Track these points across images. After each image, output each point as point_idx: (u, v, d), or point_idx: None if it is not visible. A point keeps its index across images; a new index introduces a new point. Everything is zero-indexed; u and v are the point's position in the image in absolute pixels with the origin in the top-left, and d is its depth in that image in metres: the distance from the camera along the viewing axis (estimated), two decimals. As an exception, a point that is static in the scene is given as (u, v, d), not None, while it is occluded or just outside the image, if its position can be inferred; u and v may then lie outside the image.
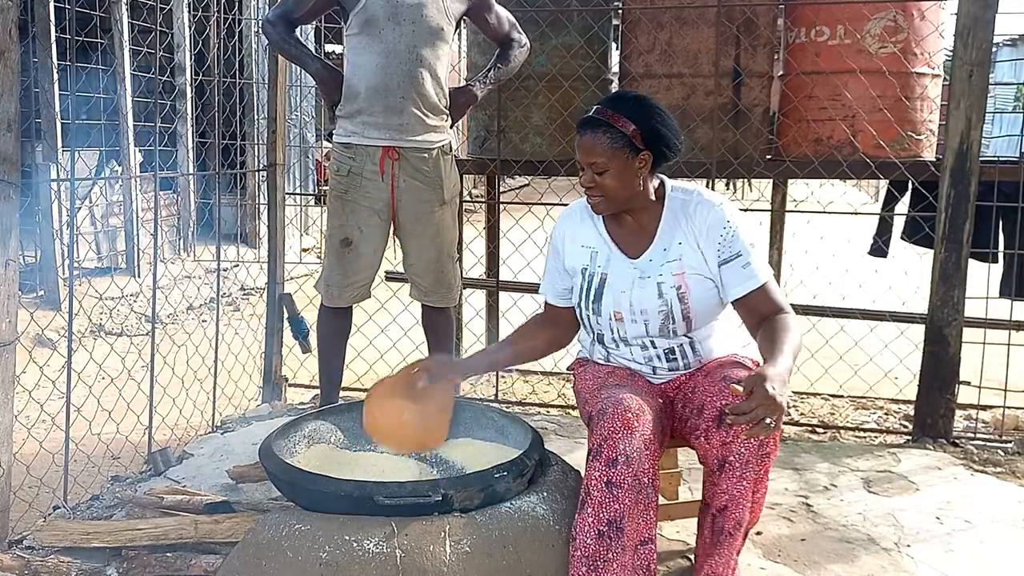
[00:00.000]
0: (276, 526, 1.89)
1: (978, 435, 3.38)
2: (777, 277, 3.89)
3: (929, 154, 3.56)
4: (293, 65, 3.55)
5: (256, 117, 8.22)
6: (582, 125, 2.03)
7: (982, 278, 3.60)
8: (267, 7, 4.27)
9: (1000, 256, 3.69)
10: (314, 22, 3.53)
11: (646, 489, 1.88)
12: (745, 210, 3.95)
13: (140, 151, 7.18)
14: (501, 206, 4.22)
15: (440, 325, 3.12)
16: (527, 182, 11.68)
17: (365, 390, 3.86)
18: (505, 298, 4.20)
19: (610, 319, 2.14)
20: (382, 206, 2.92)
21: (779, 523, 2.56)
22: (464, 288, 3.68)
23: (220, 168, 7.58)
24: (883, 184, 4.33)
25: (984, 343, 3.57)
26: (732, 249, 2.04)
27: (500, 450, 2.23)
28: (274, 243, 3.79)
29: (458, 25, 3.01)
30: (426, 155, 2.91)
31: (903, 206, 3.82)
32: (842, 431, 3.57)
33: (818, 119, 3.54)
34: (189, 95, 7.66)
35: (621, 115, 1.99)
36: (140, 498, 2.44)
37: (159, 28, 6.60)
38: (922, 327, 3.31)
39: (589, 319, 2.20)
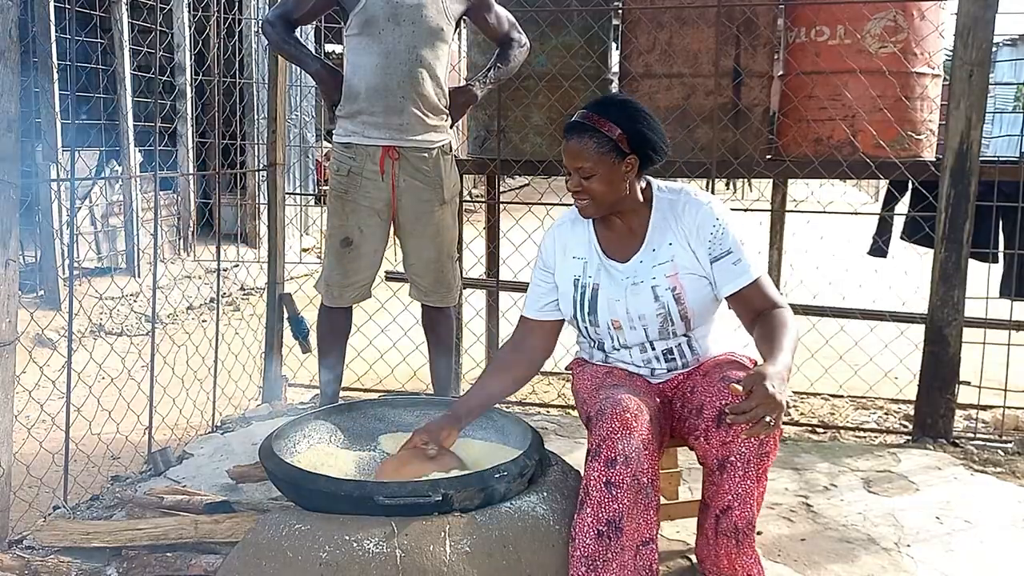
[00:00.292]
0: (276, 526, 1.89)
1: (978, 435, 3.38)
2: (777, 277, 3.89)
3: (929, 154, 3.56)
4: (293, 65, 3.55)
5: (256, 117, 8.21)
6: (568, 130, 2.03)
7: (982, 278, 3.60)
8: (267, 7, 4.27)
9: (1000, 256, 3.68)
10: (314, 22, 3.53)
11: (645, 489, 1.88)
12: (745, 210, 3.99)
13: (140, 151, 7.18)
14: (501, 206, 4.21)
15: (440, 325, 3.12)
16: (527, 182, 11.69)
17: (365, 390, 3.90)
18: (505, 298, 4.20)
19: (608, 328, 2.14)
20: (382, 206, 2.92)
21: (779, 523, 2.56)
22: (464, 288, 3.68)
23: (220, 168, 7.58)
24: (883, 184, 4.33)
25: (984, 343, 3.57)
26: (722, 246, 2.05)
27: (500, 450, 2.23)
28: (274, 243, 3.79)
29: (458, 25, 3.01)
30: (426, 155, 2.91)
31: (903, 206, 3.82)
32: (842, 431, 3.58)
33: (818, 119, 3.54)
34: (189, 95, 7.66)
35: (607, 119, 1.99)
36: (140, 498, 2.44)
37: (159, 28, 6.61)
38: (922, 327, 3.31)
39: (587, 330, 2.20)
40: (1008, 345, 3.57)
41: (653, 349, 2.15)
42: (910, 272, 4.58)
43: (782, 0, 3.61)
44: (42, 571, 2.13)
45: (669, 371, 2.17)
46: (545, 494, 2.02)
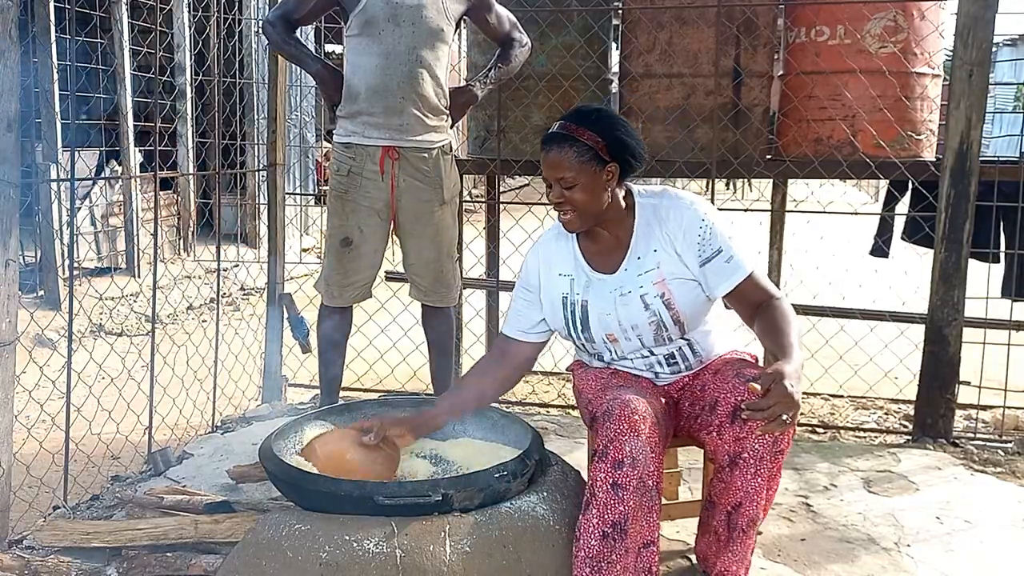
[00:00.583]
0: (276, 526, 1.89)
1: (978, 435, 3.38)
2: (777, 277, 3.89)
3: (929, 154, 3.56)
4: (293, 65, 3.55)
5: (256, 117, 8.22)
6: (547, 141, 2.02)
7: (982, 278, 3.60)
8: (267, 7, 4.27)
9: (1001, 256, 3.68)
10: (314, 22, 3.53)
11: (650, 491, 1.88)
12: (745, 210, 3.99)
13: (140, 151, 7.18)
14: (501, 206, 4.22)
15: (440, 325, 3.12)
16: (527, 182, 11.69)
17: (365, 390, 3.90)
18: (505, 298, 4.19)
19: (604, 342, 2.14)
20: (382, 206, 2.92)
21: (779, 523, 2.56)
22: (464, 288, 3.68)
23: (220, 168, 7.58)
24: (883, 184, 4.33)
25: (984, 343, 3.57)
26: (712, 246, 2.04)
27: (500, 450, 2.23)
28: (274, 243, 3.79)
29: (458, 25, 3.01)
30: (426, 155, 2.91)
31: (903, 206, 3.82)
32: (842, 431, 3.58)
33: (818, 119, 3.54)
34: (189, 95, 7.66)
35: (585, 128, 1.99)
36: (140, 498, 2.44)
37: (159, 28, 6.61)
38: (922, 327, 3.31)
39: (585, 346, 2.19)
40: (1008, 345, 3.57)
41: (654, 355, 2.14)
42: (910, 272, 4.58)
43: (782, 0, 3.61)
44: (42, 571, 2.13)
45: (673, 374, 2.16)
46: (545, 494, 2.02)
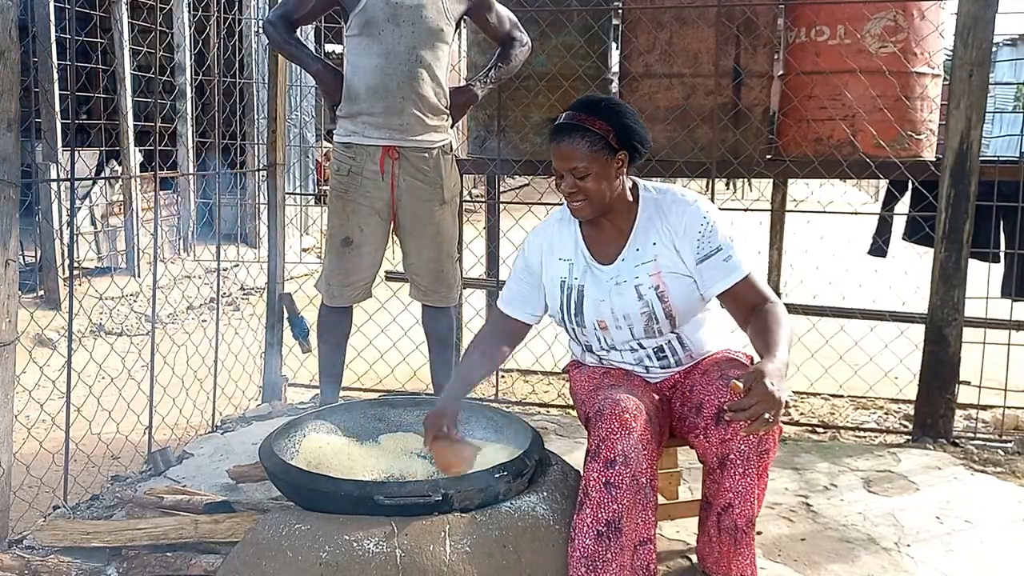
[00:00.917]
0: (276, 526, 1.89)
1: (978, 435, 3.38)
2: (777, 277, 3.89)
3: (929, 154, 3.56)
4: (293, 65, 3.55)
5: (256, 117, 8.21)
6: (557, 132, 2.03)
7: (982, 278, 3.60)
8: (267, 7, 4.27)
9: (1001, 256, 3.68)
10: (314, 22, 3.53)
11: (644, 489, 1.88)
12: (745, 210, 3.99)
13: (140, 151, 7.18)
14: (501, 206, 4.22)
15: (440, 325, 3.12)
16: (527, 182, 11.68)
17: (365, 390, 3.90)
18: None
19: (595, 328, 2.14)
20: (382, 206, 2.92)
21: (779, 523, 2.56)
22: (464, 288, 3.68)
23: (220, 168, 7.57)
24: (883, 184, 4.33)
25: (984, 343, 3.57)
26: (712, 245, 2.04)
27: (500, 450, 2.23)
28: (274, 243, 3.78)
29: (458, 25, 3.01)
30: (426, 155, 2.91)
31: (903, 206, 3.82)
32: (842, 431, 3.58)
33: (818, 119, 3.54)
34: (189, 95, 7.66)
35: (595, 117, 2.00)
36: (140, 498, 2.44)
37: (159, 28, 6.61)
38: (922, 327, 3.31)
39: (575, 331, 2.20)
40: (1008, 345, 3.57)
41: (643, 348, 2.15)
42: (910, 272, 4.57)
43: (782, 0, 3.61)
44: (42, 571, 2.13)
45: (663, 368, 2.17)
46: (545, 494, 2.02)
